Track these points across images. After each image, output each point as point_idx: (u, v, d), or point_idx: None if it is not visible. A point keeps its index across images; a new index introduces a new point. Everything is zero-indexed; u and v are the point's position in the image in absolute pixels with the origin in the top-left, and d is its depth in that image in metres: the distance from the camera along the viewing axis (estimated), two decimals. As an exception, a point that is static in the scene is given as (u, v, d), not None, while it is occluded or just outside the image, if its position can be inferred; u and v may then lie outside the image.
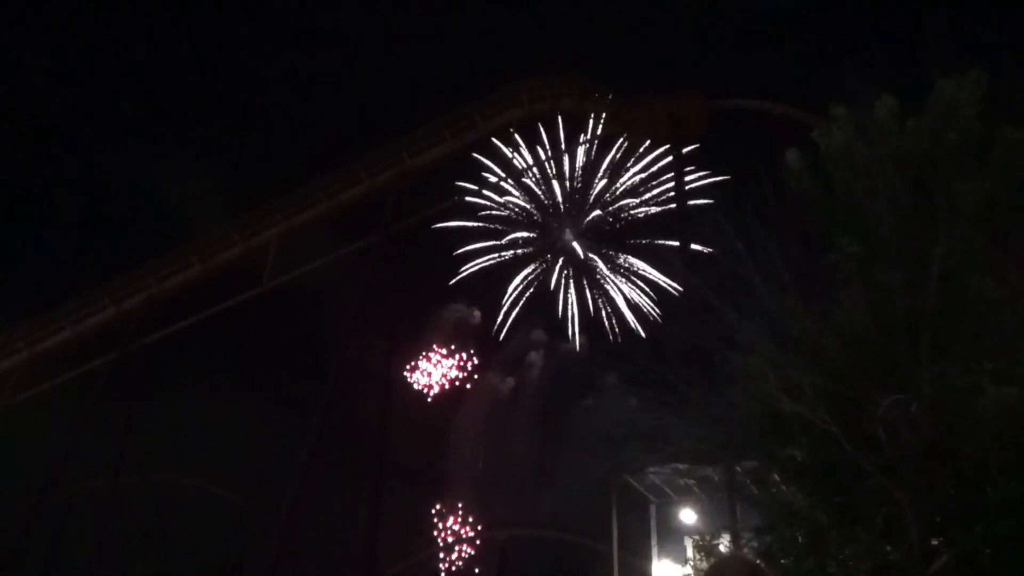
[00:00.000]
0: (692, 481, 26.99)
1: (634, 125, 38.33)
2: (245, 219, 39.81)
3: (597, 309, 57.87)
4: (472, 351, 55.24)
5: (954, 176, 11.33)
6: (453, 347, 55.01)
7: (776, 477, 13.32)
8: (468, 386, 54.59)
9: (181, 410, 54.39)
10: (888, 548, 11.59)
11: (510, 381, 62.14)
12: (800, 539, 12.61)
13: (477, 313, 59.91)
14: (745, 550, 17.11)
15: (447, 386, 53.62)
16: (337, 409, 33.60)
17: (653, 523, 30.13)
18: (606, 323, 57.79)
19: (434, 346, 54.37)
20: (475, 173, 48.77)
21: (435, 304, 57.35)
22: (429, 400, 52.87)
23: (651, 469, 26.82)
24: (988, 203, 11.40)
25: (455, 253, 55.32)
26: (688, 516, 28.41)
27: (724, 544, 18.33)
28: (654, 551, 29.60)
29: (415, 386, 52.71)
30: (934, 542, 11.31)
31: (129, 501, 42.90)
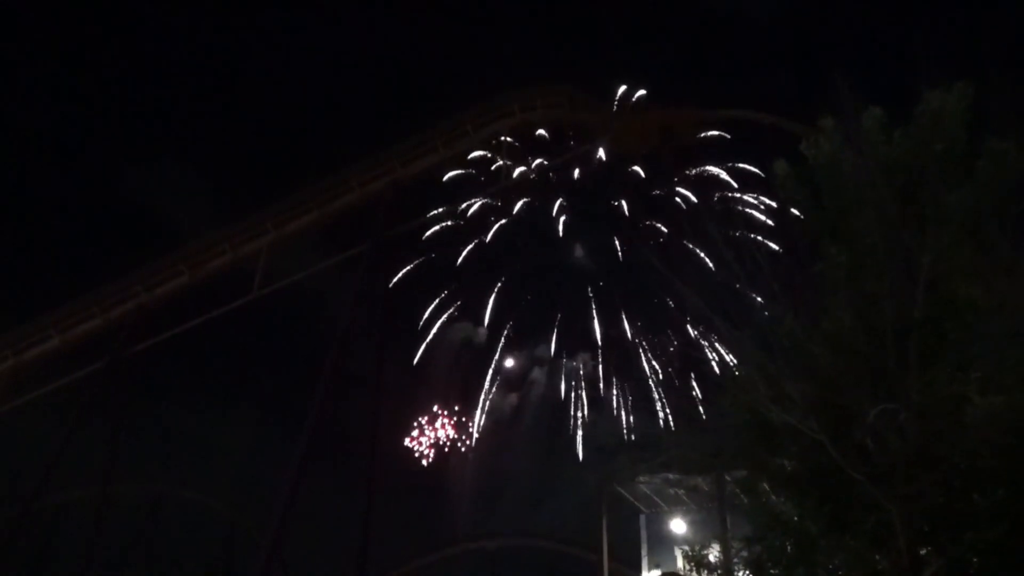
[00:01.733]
0: (682, 491, 27.05)
1: (625, 134, 38.49)
2: (235, 227, 39.73)
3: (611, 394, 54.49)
4: (466, 419, 54.44)
5: (941, 185, 11.42)
6: (456, 407, 54.24)
7: (766, 486, 13.34)
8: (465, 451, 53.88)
9: (170, 419, 54.12)
10: (877, 557, 11.61)
11: (513, 399, 61.45)
12: (790, 548, 12.61)
13: (482, 331, 59.52)
14: (735, 560, 17.13)
15: (446, 449, 53.37)
16: (328, 417, 33.47)
17: (643, 533, 30.14)
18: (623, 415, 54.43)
19: (436, 409, 53.70)
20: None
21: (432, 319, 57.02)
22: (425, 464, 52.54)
23: (641, 479, 26.84)
24: (974, 212, 11.50)
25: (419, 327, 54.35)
26: (678, 526, 28.44)
27: (714, 554, 18.32)
28: (644, 561, 29.60)
29: (414, 449, 52.29)
30: (923, 551, 11.34)
31: (118, 510, 42.62)
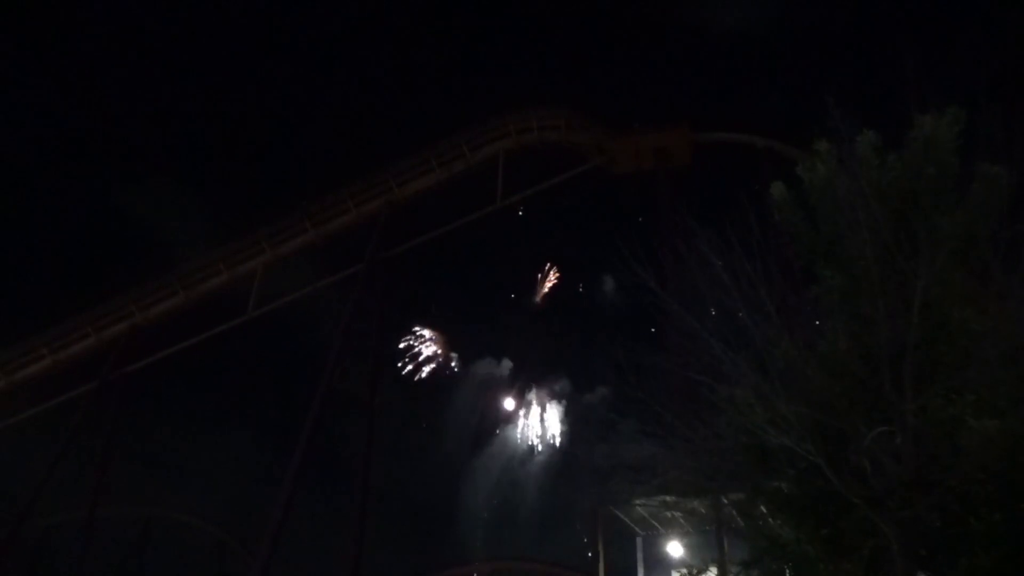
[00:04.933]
0: (679, 513, 26.88)
1: (619, 157, 38.69)
2: (231, 247, 39.68)
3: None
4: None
5: (934, 209, 11.52)
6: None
7: (763, 509, 13.28)
8: None
9: (162, 439, 53.69)
10: (875, 581, 11.55)
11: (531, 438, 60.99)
12: (787, 572, 12.55)
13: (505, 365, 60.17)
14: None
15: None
16: (321, 438, 33.29)
17: (640, 556, 29.94)
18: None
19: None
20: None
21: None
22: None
23: (638, 501, 26.69)
24: (967, 236, 11.60)
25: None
26: (675, 549, 28.26)
27: (711, 577, 18.22)
28: (641, 584, 29.34)
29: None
30: (920, 575, 11.29)
31: (107, 533, 42.15)
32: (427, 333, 58.45)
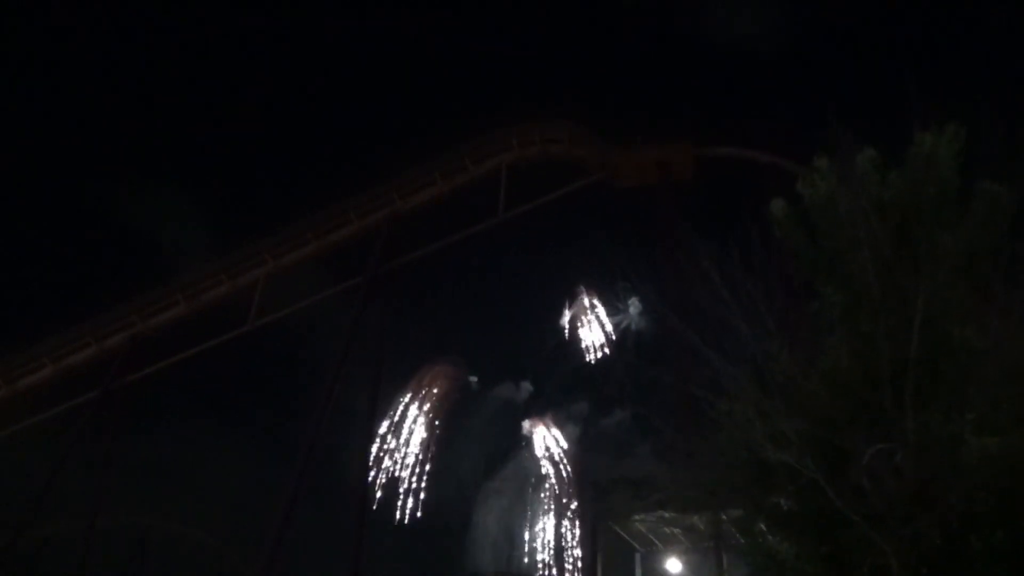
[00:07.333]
0: (678, 530, 26.78)
1: (621, 171, 38.78)
2: (232, 257, 39.76)
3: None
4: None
5: (934, 226, 11.55)
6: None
7: (762, 526, 13.22)
8: None
9: (162, 450, 53.55)
10: (875, 599, 11.46)
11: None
12: (787, 589, 12.46)
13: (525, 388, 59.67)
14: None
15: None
16: (322, 450, 33.21)
17: (638, 572, 29.78)
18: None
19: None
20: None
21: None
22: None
23: (637, 517, 26.59)
24: (968, 253, 11.61)
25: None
26: (674, 566, 28.12)
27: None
28: (640, 600, 29.18)
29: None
30: (921, 593, 11.21)
31: (106, 543, 41.99)
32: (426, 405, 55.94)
